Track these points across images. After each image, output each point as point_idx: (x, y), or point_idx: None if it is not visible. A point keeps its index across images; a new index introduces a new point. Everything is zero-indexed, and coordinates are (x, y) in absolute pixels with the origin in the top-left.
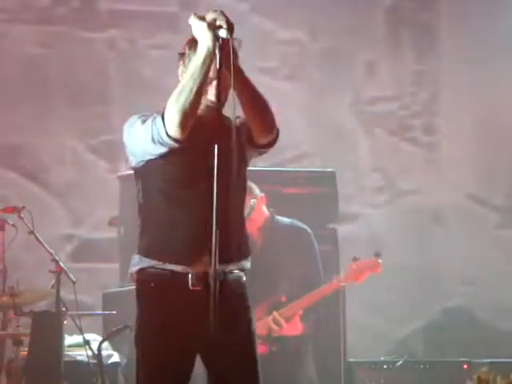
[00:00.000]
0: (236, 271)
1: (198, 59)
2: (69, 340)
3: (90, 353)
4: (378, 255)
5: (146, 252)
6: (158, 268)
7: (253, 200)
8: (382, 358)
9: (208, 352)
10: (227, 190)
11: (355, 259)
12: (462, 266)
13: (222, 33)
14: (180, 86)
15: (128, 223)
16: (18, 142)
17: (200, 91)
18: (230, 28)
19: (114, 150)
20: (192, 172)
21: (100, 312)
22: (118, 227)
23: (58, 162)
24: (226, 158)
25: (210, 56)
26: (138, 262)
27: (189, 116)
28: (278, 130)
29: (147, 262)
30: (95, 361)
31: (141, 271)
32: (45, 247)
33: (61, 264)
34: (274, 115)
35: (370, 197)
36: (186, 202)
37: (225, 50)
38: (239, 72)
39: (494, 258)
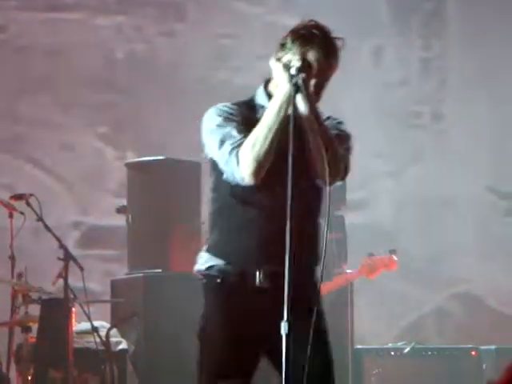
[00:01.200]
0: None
1: (273, 104)
2: (77, 327)
3: (98, 340)
4: (393, 252)
5: (215, 251)
6: (227, 266)
7: None
8: (390, 345)
9: (275, 352)
10: (303, 195)
11: (371, 255)
12: (472, 252)
13: (293, 70)
14: (255, 134)
15: (136, 211)
16: (26, 130)
17: (275, 140)
18: (305, 66)
19: (122, 138)
20: (268, 175)
21: (108, 299)
22: (127, 215)
23: (66, 149)
24: (301, 162)
25: (288, 101)
26: (206, 261)
27: (263, 166)
28: (341, 178)
29: (216, 262)
30: (103, 348)
31: (209, 269)
32: (53, 234)
33: (69, 251)
34: (339, 167)
35: (379, 183)
36: (260, 204)
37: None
38: (312, 111)
39: (503, 245)
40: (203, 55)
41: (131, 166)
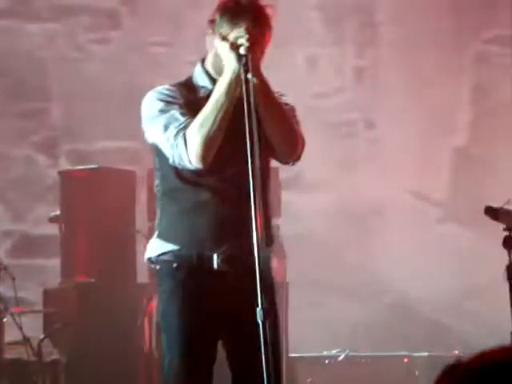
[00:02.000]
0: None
1: (222, 84)
2: (8, 337)
3: (30, 351)
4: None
5: (167, 236)
6: (181, 251)
7: None
8: (325, 353)
9: (232, 334)
10: (249, 183)
11: None
12: (403, 260)
13: (242, 50)
14: (203, 114)
15: (69, 220)
16: None
17: (224, 120)
18: (254, 44)
19: (55, 146)
20: (217, 156)
21: (40, 309)
22: (60, 224)
23: None
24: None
25: (236, 80)
26: (158, 247)
27: (212, 147)
28: (300, 153)
29: (169, 247)
30: (36, 359)
31: (162, 255)
32: None
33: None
34: (298, 138)
35: (310, 191)
36: (211, 186)
37: (250, 68)
38: (263, 88)
39: (434, 252)
40: (136, 63)
41: (64, 175)
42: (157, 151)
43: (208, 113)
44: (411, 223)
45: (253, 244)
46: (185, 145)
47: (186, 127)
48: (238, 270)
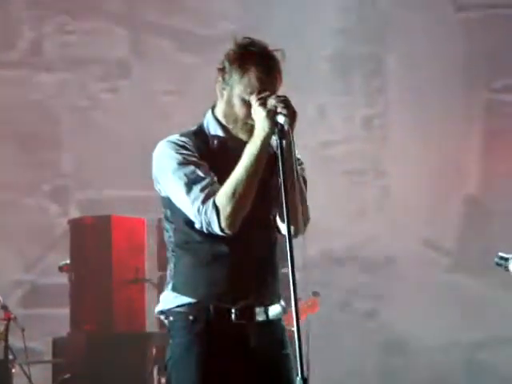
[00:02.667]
0: (276, 315)
1: (254, 149)
2: None
3: None
4: (316, 294)
5: (183, 289)
6: (198, 304)
7: None
8: None
9: None
10: (266, 235)
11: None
12: (414, 309)
13: (281, 119)
14: (235, 181)
15: (79, 269)
16: None
17: (255, 187)
18: (292, 117)
19: (65, 195)
20: None
21: (49, 359)
22: (69, 273)
23: (9, 205)
24: (269, 199)
25: (267, 144)
26: (172, 300)
27: (243, 214)
28: (302, 232)
29: (185, 300)
30: None
31: (177, 307)
32: None
33: (9, 311)
34: (304, 218)
35: (324, 240)
36: (227, 240)
37: (285, 140)
38: (291, 169)
39: (444, 301)
40: (145, 111)
41: (74, 223)
42: (169, 204)
43: (240, 180)
44: (421, 271)
45: (271, 297)
46: (216, 213)
47: (212, 191)
48: (257, 324)
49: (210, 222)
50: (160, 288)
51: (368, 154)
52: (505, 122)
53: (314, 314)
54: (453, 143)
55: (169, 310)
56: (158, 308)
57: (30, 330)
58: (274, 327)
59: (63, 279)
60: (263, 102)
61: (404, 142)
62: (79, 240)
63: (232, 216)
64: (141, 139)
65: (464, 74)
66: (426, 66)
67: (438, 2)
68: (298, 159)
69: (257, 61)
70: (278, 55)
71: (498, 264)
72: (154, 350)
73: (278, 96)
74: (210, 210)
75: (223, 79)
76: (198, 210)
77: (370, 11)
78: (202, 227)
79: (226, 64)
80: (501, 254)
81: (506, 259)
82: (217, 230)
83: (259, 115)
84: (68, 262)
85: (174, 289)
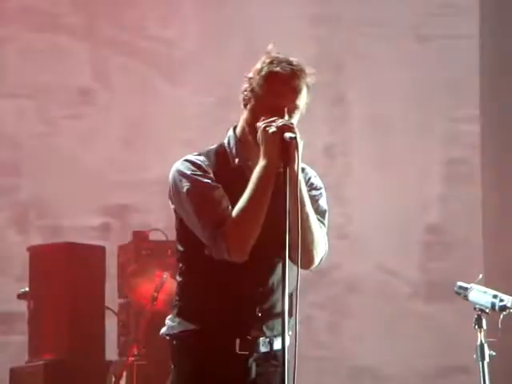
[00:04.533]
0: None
1: (264, 176)
2: None
3: None
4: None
5: (187, 316)
6: (202, 332)
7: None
8: None
9: None
10: (277, 264)
11: None
12: (374, 337)
13: (287, 136)
14: (244, 210)
15: (38, 296)
16: None
17: (264, 214)
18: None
19: (24, 222)
20: None
21: None
22: (28, 301)
23: None
24: (278, 226)
25: (273, 168)
26: (177, 326)
27: (253, 237)
28: (317, 263)
29: (190, 326)
30: None
31: (181, 333)
32: None
33: None
34: (317, 247)
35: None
36: (236, 270)
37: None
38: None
39: (406, 330)
40: (112, 138)
41: (33, 251)
42: (181, 226)
43: (247, 206)
44: (382, 300)
45: (278, 328)
46: (225, 240)
47: (225, 216)
48: (260, 355)
49: (219, 249)
50: (120, 316)
51: (329, 182)
52: (465, 152)
53: None
54: (414, 172)
55: (173, 334)
56: (163, 331)
57: None
58: (277, 358)
59: (21, 307)
60: (269, 125)
61: (366, 171)
62: (38, 267)
63: (240, 242)
64: (103, 165)
65: (425, 103)
66: (387, 95)
67: (400, 32)
68: (313, 184)
69: (291, 92)
70: (308, 79)
71: (457, 293)
72: (113, 379)
73: (285, 121)
74: (219, 237)
75: (250, 87)
76: (209, 236)
77: (330, 40)
78: (211, 253)
79: (256, 74)
80: (460, 283)
81: (466, 288)
82: (226, 257)
83: (264, 137)
84: (27, 289)
85: (179, 314)
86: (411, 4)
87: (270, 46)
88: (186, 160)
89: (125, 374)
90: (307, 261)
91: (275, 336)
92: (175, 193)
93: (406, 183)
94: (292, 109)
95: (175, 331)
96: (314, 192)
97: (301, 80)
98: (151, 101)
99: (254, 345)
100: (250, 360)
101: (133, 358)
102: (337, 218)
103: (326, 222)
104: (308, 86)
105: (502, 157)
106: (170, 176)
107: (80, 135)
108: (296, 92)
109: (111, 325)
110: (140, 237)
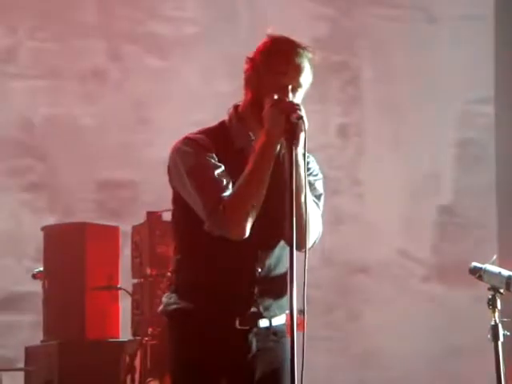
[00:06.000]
0: (280, 324)
1: (264, 156)
2: None
3: None
4: (300, 313)
5: (184, 294)
6: (200, 308)
7: None
8: None
9: None
10: (278, 242)
11: None
12: (388, 320)
13: (294, 118)
14: (242, 181)
15: (52, 276)
16: None
17: (263, 184)
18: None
19: (38, 202)
20: None
21: (21, 367)
22: (43, 280)
23: None
24: (278, 206)
25: (276, 145)
26: (174, 302)
27: (252, 214)
28: (309, 245)
29: (186, 304)
30: None
31: (177, 310)
32: None
33: None
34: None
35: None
36: (234, 249)
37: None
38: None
39: (420, 311)
40: (124, 119)
41: (47, 230)
42: (180, 203)
43: (247, 182)
44: (395, 281)
45: (275, 309)
46: (225, 217)
47: (224, 195)
48: (262, 330)
49: (219, 225)
50: (134, 295)
51: (343, 163)
52: (479, 133)
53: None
54: (428, 153)
55: (169, 311)
56: (160, 309)
57: (2, 338)
58: (276, 334)
59: (36, 287)
60: (275, 104)
61: (379, 151)
62: (53, 247)
63: (240, 218)
64: (117, 148)
65: (438, 84)
66: (400, 76)
67: (413, 12)
68: (310, 168)
69: (298, 68)
70: (312, 56)
71: (471, 273)
72: (127, 359)
73: (292, 101)
74: (220, 214)
75: (253, 68)
76: (210, 214)
77: (343, 21)
78: (211, 231)
79: (261, 56)
80: (474, 263)
81: (480, 269)
82: (226, 234)
83: (270, 115)
84: (41, 269)
85: (176, 291)
86: None
87: (271, 29)
88: (187, 138)
89: (139, 353)
90: (301, 242)
91: (272, 316)
92: (175, 171)
93: (419, 164)
94: (296, 87)
95: (171, 308)
96: (312, 176)
97: (304, 58)
98: (162, 83)
99: (254, 320)
100: (250, 335)
101: (147, 338)
102: (350, 198)
103: (321, 204)
104: (311, 66)
105: None
106: (171, 153)
107: (93, 116)
108: (299, 70)
109: (126, 305)
110: (154, 217)
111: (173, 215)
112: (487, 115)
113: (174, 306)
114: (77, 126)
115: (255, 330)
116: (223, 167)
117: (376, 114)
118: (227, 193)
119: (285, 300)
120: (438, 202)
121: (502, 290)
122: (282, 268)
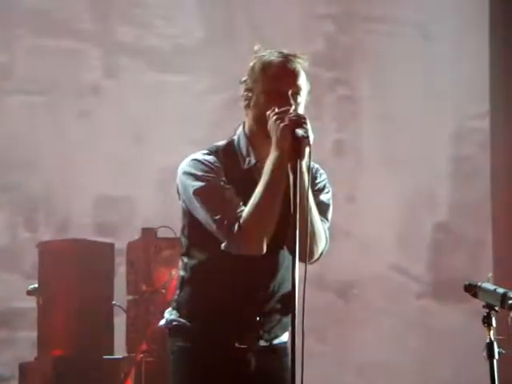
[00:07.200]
0: (280, 342)
1: (270, 163)
2: None
3: None
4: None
5: (185, 312)
6: (199, 327)
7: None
8: None
9: None
10: (283, 262)
11: None
12: (382, 334)
13: (300, 132)
14: (259, 204)
15: (47, 293)
16: None
17: (276, 200)
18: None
19: (33, 218)
20: None
21: None
22: (37, 297)
23: None
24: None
25: (285, 161)
26: (173, 319)
27: (269, 230)
28: (315, 259)
29: (185, 322)
30: None
31: (178, 328)
32: None
33: None
34: (314, 245)
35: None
36: (239, 270)
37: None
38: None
39: (414, 327)
40: (117, 132)
41: (42, 247)
42: (190, 221)
43: (263, 205)
44: (391, 297)
45: (277, 331)
46: (242, 235)
47: (238, 215)
48: (259, 348)
49: (238, 245)
50: (129, 312)
51: (338, 179)
52: (475, 149)
53: None
54: (424, 169)
55: (170, 327)
56: (161, 323)
57: None
58: (276, 352)
59: (30, 304)
60: (281, 117)
61: (374, 167)
62: (48, 264)
63: (258, 235)
64: (111, 160)
65: (434, 99)
66: (396, 93)
67: (408, 29)
68: (317, 184)
69: (291, 77)
70: (302, 64)
71: (466, 291)
72: (122, 375)
73: (297, 113)
74: (237, 233)
75: (248, 88)
76: (227, 234)
77: (339, 36)
78: (230, 250)
79: (257, 69)
80: (469, 281)
81: (475, 286)
82: (242, 251)
83: (276, 128)
84: (36, 286)
85: (177, 308)
86: (419, 0)
87: (257, 47)
88: (195, 159)
89: (133, 370)
90: (306, 254)
91: (272, 338)
92: (184, 192)
93: (415, 180)
94: (295, 92)
95: (172, 325)
96: (318, 189)
97: (296, 64)
98: (159, 97)
99: (253, 340)
100: (249, 354)
101: (141, 355)
102: (346, 215)
103: (329, 217)
104: (305, 72)
105: None
106: (178, 174)
107: (89, 132)
108: (294, 74)
109: (120, 322)
110: (149, 234)
111: (182, 231)
112: (482, 131)
113: (175, 324)
114: (72, 142)
115: (254, 348)
116: (232, 188)
117: (372, 130)
118: (240, 211)
119: (289, 318)
120: (433, 219)
121: (497, 308)
122: (289, 285)
